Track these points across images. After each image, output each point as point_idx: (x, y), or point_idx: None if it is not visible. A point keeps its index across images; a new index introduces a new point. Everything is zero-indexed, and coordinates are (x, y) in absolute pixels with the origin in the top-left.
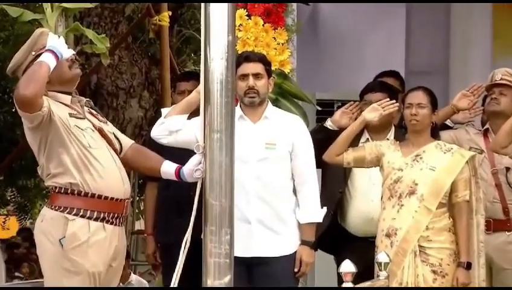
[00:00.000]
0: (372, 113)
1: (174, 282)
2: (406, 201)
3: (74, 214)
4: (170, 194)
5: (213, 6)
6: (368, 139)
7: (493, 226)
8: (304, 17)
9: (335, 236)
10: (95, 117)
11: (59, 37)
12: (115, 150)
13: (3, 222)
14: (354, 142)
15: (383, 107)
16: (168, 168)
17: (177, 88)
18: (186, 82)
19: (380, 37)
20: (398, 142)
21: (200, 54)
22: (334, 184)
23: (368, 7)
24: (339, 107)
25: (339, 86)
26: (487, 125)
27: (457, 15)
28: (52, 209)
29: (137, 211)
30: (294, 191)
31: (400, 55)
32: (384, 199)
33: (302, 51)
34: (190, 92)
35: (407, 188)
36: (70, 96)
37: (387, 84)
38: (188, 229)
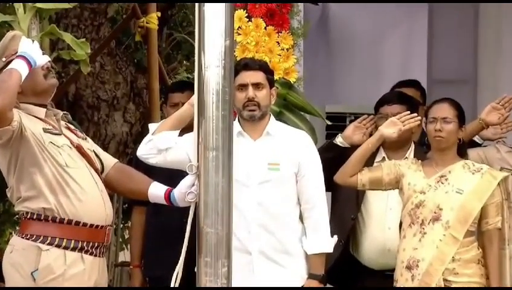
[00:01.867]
0: (391, 128)
1: None
2: (429, 229)
3: (48, 244)
4: (159, 220)
5: (208, 6)
6: (384, 157)
7: None
8: (312, 19)
9: (347, 269)
10: (73, 133)
11: (33, 41)
12: (96, 170)
13: None
14: (369, 161)
15: (402, 122)
16: (156, 191)
17: (169, 100)
18: (180, 93)
19: (398, 42)
20: (420, 161)
21: (194, 61)
22: (346, 209)
23: (386, 8)
24: (351, 121)
25: (351, 97)
26: None
27: (487, 16)
28: (23, 238)
29: (121, 240)
30: (301, 218)
31: (421, 62)
32: (404, 227)
33: (310, 58)
34: (183, 104)
35: (430, 214)
36: (45, 109)
37: (407, 95)
38: (180, 261)
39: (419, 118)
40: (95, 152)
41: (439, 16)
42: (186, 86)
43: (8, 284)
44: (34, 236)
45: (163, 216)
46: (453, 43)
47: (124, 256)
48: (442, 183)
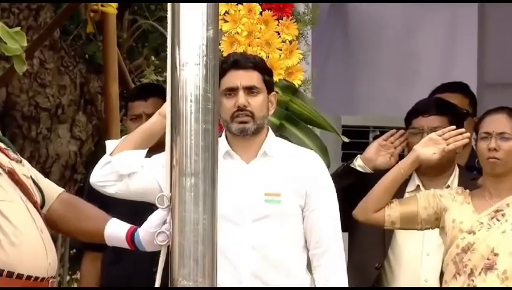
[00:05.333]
0: (430, 148)
1: None
2: (481, 280)
3: None
4: (120, 270)
5: None
6: (418, 186)
7: None
8: (324, 3)
9: None
10: (4, 153)
11: None
12: (34, 204)
13: None
14: (398, 191)
15: (445, 139)
16: (116, 231)
17: (129, 110)
18: (142, 101)
19: (439, 34)
20: (468, 191)
21: (165, 57)
22: (369, 255)
23: None
24: (375, 138)
25: (375, 106)
26: None
27: None
28: None
29: None
30: (309, 266)
31: (469, 61)
32: (447, 278)
33: (320, 53)
34: (150, 116)
35: (482, 261)
36: None
37: (449, 104)
38: None
39: (468, 134)
40: (33, 179)
41: (493, 4)
42: (152, 92)
43: None
44: None
45: (125, 265)
46: (510, 38)
47: None
48: (497, 220)
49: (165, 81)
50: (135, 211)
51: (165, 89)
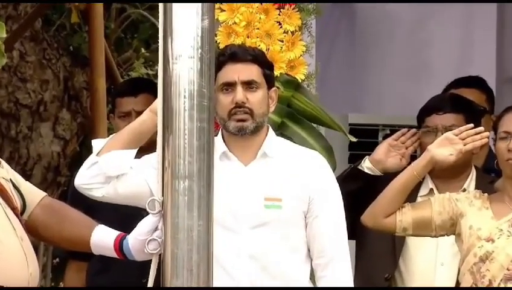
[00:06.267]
0: (446, 148)
1: None
2: None
3: None
4: (107, 281)
5: None
6: (431, 189)
7: None
8: None
9: None
10: None
11: None
12: (14, 209)
13: None
14: (410, 195)
15: (463, 139)
16: (103, 238)
17: (117, 107)
18: (132, 97)
19: (453, 26)
20: (486, 195)
21: (157, 49)
22: (378, 265)
23: None
24: (384, 138)
25: (384, 102)
26: None
27: None
28: None
29: None
30: (313, 277)
31: (487, 53)
32: None
33: (325, 45)
34: (139, 113)
35: (501, 271)
36: None
37: (465, 100)
38: None
39: (488, 133)
40: (12, 183)
41: None
42: (142, 87)
43: None
44: None
45: (113, 275)
46: None
47: None
48: None
49: (156, 76)
50: (123, 216)
51: (156, 84)
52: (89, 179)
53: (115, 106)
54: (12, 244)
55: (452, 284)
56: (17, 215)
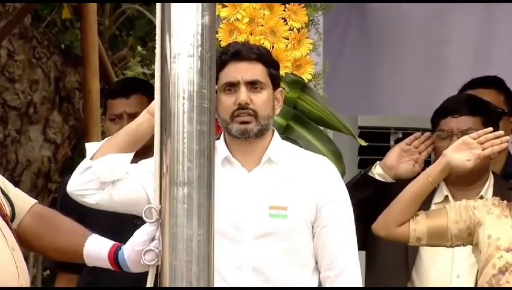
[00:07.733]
0: (463, 153)
1: None
2: None
3: None
4: None
5: None
6: (447, 197)
7: None
8: None
9: None
10: None
11: None
12: (4, 217)
13: None
14: (424, 202)
15: (481, 143)
16: (97, 249)
17: (108, 109)
18: (123, 98)
19: (471, 23)
20: (505, 202)
21: (153, 47)
22: (389, 278)
23: None
24: (396, 142)
25: (396, 104)
26: None
27: None
28: None
29: None
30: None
31: (506, 52)
32: None
33: (334, 43)
34: (132, 116)
35: None
36: None
37: (483, 102)
38: None
39: (508, 138)
40: (1, 189)
41: None
42: (134, 88)
43: None
44: None
45: (105, 288)
46: None
47: None
48: None
49: (153, 75)
50: (119, 225)
51: (150, 85)
52: (82, 184)
53: (106, 107)
54: (2, 254)
55: None
56: (7, 223)
